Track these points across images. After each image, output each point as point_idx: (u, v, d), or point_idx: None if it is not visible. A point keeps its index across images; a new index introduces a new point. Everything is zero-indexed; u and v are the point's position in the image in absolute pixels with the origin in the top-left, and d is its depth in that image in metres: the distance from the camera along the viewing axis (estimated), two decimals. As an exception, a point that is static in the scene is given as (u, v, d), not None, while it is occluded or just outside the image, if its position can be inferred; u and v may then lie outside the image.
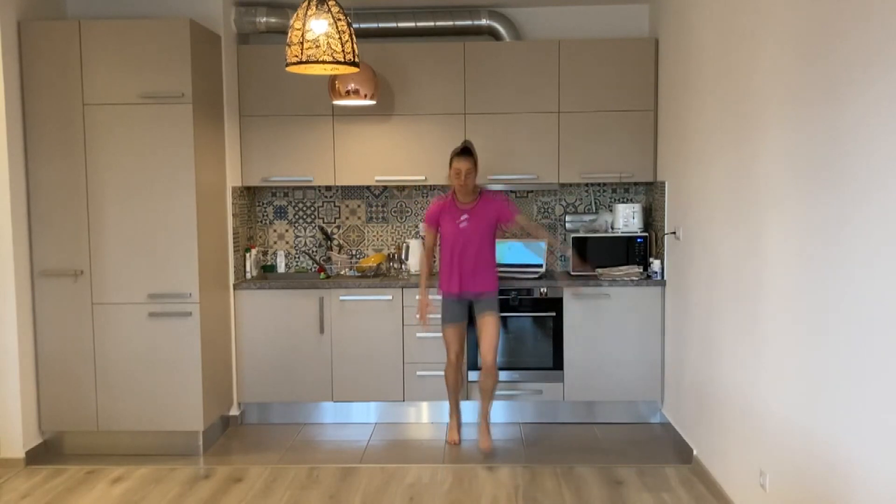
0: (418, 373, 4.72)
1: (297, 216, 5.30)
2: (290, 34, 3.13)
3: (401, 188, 5.26)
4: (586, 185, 5.18)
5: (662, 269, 4.61)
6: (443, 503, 3.63)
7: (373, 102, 4.66)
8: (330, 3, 3.12)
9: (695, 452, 3.99)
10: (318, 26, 3.08)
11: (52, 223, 4.21)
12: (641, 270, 4.70)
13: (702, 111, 3.83)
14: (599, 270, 4.75)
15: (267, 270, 5.22)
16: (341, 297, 4.71)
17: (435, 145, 4.84)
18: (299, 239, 5.31)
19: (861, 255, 2.27)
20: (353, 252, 5.29)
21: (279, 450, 4.39)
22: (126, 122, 4.17)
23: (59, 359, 4.27)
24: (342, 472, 4.01)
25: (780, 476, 2.88)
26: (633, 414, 4.78)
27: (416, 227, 5.27)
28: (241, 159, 4.89)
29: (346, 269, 5.11)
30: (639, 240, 4.81)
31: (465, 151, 4.20)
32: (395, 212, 5.28)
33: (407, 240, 5.15)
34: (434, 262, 5.13)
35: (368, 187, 5.26)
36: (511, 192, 5.17)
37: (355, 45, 3.20)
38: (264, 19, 4.80)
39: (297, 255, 5.32)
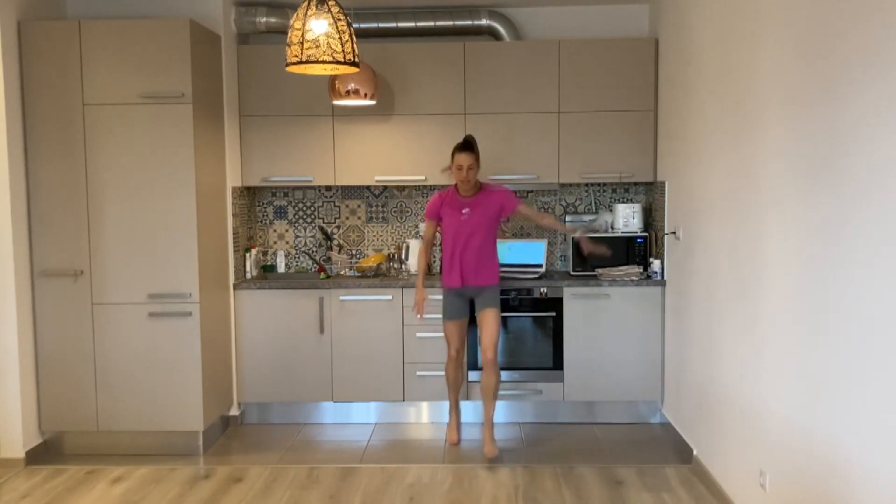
0: (418, 373, 4.72)
1: (297, 216, 5.30)
2: (290, 34, 3.13)
3: (401, 188, 5.26)
4: (586, 185, 5.18)
5: (662, 269, 4.61)
6: (443, 503, 3.63)
7: (373, 102, 4.66)
8: (330, 3, 3.12)
9: (695, 452, 3.99)
10: (318, 26, 3.08)
11: (52, 223, 4.21)
12: (641, 270, 4.70)
13: (702, 111, 3.83)
14: (599, 270, 4.75)
15: (267, 270, 5.22)
16: (341, 297, 4.71)
17: (435, 145, 4.84)
18: (299, 239, 5.31)
19: (861, 255, 2.27)
20: (353, 252, 5.29)
21: (279, 450, 4.39)
22: (126, 122, 4.17)
23: (59, 359, 4.27)
24: (342, 472, 4.01)
25: (780, 476, 2.88)
26: (633, 414, 4.78)
27: (416, 227, 5.27)
28: (241, 159, 4.89)
29: (346, 269, 5.11)
30: (639, 240, 4.81)
31: (467, 146, 4.17)
32: (395, 212, 5.28)
33: (407, 240, 5.15)
34: (434, 260, 5.13)
35: (368, 187, 5.26)
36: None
37: (355, 45, 3.21)
38: (264, 19, 4.80)
39: (297, 255, 5.32)
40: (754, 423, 3.13)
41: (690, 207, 4.06)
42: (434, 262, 5.13)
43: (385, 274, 5.04)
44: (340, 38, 3.11)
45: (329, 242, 5.20)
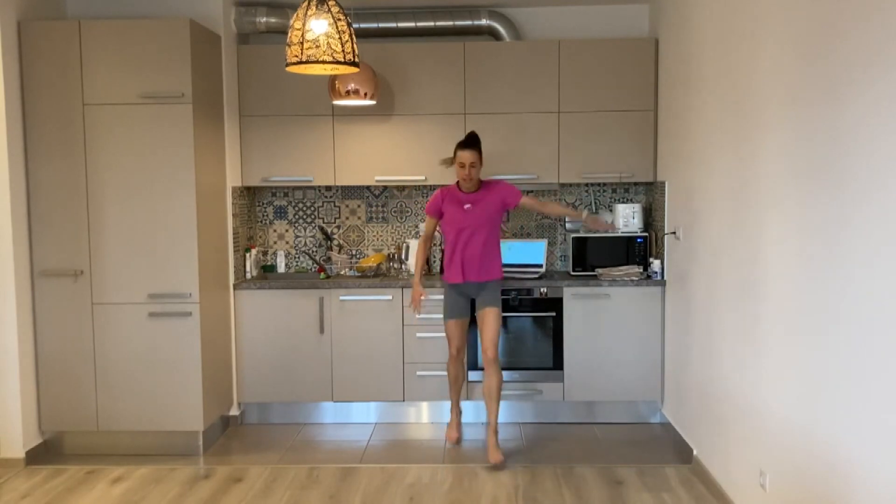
0: (418, 373, 4.72)
1: (297, 216, 5.30)
2: (290, 34, 3.13)
3: (401, 188, 5.26)
4: (586, 185, 5.18)
5: (662, 269, 4.61)
6: (443, 503, 3.63)
7: (373, 102, 4.66)
8: (330, 3, 3.12)
9: (695, 452, 3.99)
10: (318, 26, 3.08)
11: (52, 223, 4.21)
12: (641, 270, 4.70)
13: (702, 111, 3.83)
14: (599, 270, 4.75)
15: (267, 270, 5.22)
16: (341, 297, 4.71)
17: (435, 145, 4.84)
18: (299, 239, 5.31)
19: (861, 255, 2.27)
20: (353, 252, 5.29)
21: (279, 450, 4.39)
22: (126, 122, 4.17)
23: (59, 359, 4.27)
24: (342, 472, 4.01)
25: (780, 476, 2.88)
26: (633, 414, 4.78)
27: (416, 227, 5.27)
28: (241, 159, 4.89)
29: (346, 269, 5.11)
30: (639, 240, 4.81)
31: (471, 143, 4.11)
32: (395, 212, 5.28)
33: (407, 240, 5.15)
34: (434, 260, 5.13)
35: (368, 187, 5.26)
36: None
37: (355, 45, 3.21)
38: (264, 19, 4.80)
39: (297, 255, 5.32)
40: (754, 423, 3.13)
41: (690, 207, 4.06)
42: (434, 261, 5.13)
43: (385, 274, 5.04)
44: (340, 38, 3.11)
45: (329, 242, 5.20)
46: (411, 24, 4.90)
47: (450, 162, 4.27)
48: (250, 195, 5.13)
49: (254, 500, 3.68)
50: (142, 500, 3.69)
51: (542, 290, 4.69)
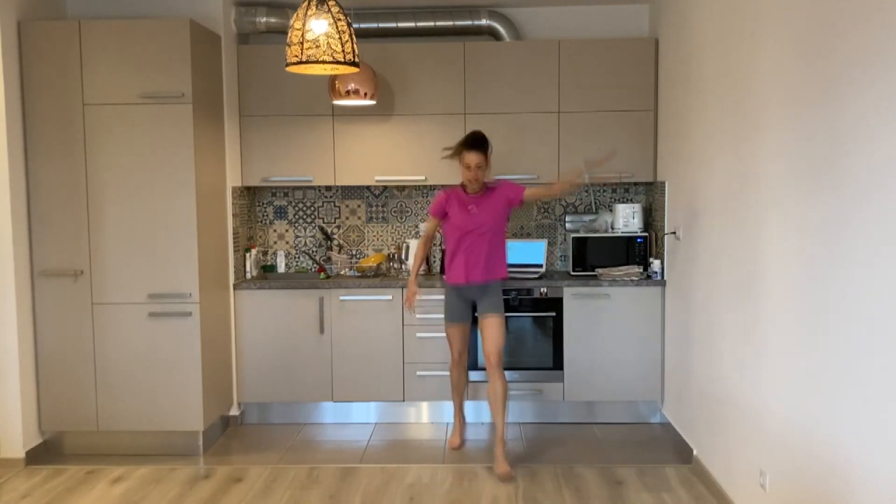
0: (418, 373, 4.72)
1: (297, 216, 5.30)
2: (290, 34, 3.13)
3: (401, 188, 5.26)
4: (586, 185, 5.18)
5: (662, 269, 4.61)
6: (443, 503, 3.63)
7: (373, 102, 4.66)
8: (330, 3, 3.12)
9: (695, 452, 3.99)
10: (318, 26, 3.08)
11: (52, 223, 4.21)
12: (641, 270, 4.70)
13: (702, 111, 3.83)
14: (599, 270, 4.75)
15: (267, 270, 5.22)
16: (341, 297, 4.71)
17: (435, 145, 4.83)
18: (299, 239, 5.31)
19: (861, 255, 2.27)
20: (353, 252, 5.29)
21: (279, 450, 4.39)
22: (126, 122, 4.17)
23: (59, 359, 4.27)
24: (342, 472, 4.01)
25: (780, 476, 2.88)
26: (633, 414, 4.78)
27: (416, 227, 5.27)
28: (241, 159, 4.89)
29: (346, 269, 5.11)
30: (639, 240, 4.81)
31: (478, 144, 3.96)
32: (395, 212, 5.28)
33: (407, 240, 5.15)
34: (434, 260, 5.13)
35: (368, 187, 5.26)
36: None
37: (355, 45, 3.21)
38: (264, 19, 4.80)
39: (297, 255, 5.32)
40: (754, 423, 3.13)
41: (690, 207, 4.06)
42: (434, 261, 5.13)
43: (385, 274, 5.04)
44: (340, 38, 3.11)
45: (329, 242, 5.20)
46: (411, 24, 4.90)
47: (451, 152, 4.11)
48: (250, 195, 5.13)
49: (254, 500, 3.68)
50: (142, 500, 3.69)
51: (542, 290, 4.69)
